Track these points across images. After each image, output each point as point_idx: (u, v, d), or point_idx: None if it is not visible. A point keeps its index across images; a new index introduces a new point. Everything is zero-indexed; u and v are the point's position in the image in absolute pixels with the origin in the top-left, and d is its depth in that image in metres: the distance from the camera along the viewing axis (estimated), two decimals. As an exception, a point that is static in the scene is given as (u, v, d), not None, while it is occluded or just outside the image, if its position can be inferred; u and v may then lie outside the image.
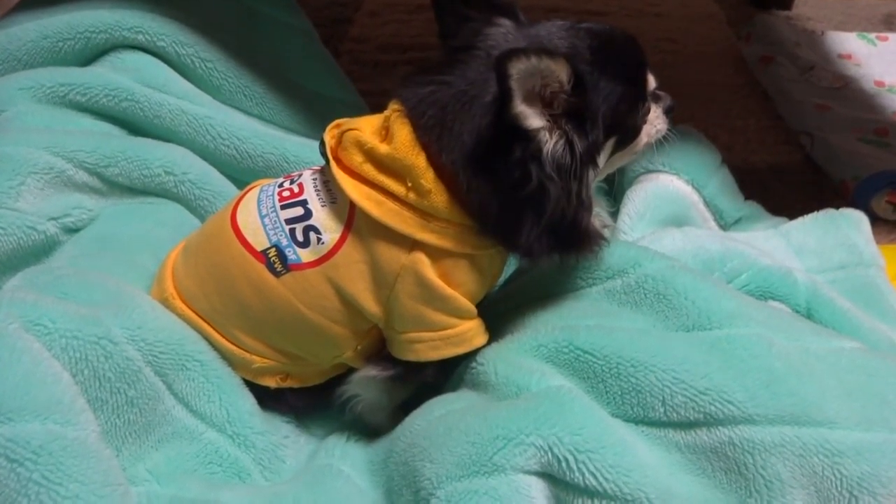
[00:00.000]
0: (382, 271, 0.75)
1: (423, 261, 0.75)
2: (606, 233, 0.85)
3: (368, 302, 0.77)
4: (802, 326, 0.80)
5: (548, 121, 0.69)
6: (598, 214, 0.85)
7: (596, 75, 0.73)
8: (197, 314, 0.82)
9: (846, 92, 1.68)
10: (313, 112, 1.23)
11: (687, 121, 1.61)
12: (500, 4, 0.78)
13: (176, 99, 1.08)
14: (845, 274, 1.04)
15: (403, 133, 0.73)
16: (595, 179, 0.80)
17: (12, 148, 0.91)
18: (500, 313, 0.87)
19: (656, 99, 0.85)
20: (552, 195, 0.71)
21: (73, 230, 0.93)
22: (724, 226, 1.19)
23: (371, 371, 0.82)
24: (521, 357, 0.79)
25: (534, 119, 0.69)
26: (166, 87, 1.08)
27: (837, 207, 1.13)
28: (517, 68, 0.65)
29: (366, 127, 0.77)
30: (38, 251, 0.89)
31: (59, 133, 0.97)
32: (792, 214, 1.17)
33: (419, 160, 0.72)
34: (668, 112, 0.86)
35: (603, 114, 0.73)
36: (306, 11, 1.41)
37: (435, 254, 0.75)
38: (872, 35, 1.91)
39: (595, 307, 0.84)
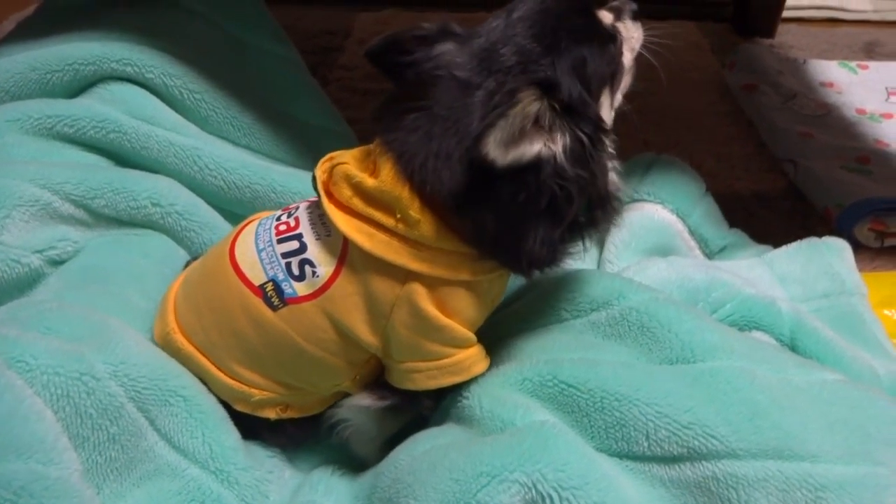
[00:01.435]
0: (378, 302, 0.75)
1: (418, 291, 0.74)
2: (621, 195, 0.82)
3: (365, 333, 0.77)
4: (785, 358, 0.81)
5: (544, 134, 0.69)
6: (615, 170, 0.82)
7: (556, 62, 0.72)
8: (196, 348, 0.82)
9: (828, 120, 1.70)
10: (301, 142, 1.24)
11: (672, 147, 1.63)
12: (432, 33, 0.77)
13: (164, 130, 1.08)
14: (829, 302, 1.05)
15: (388, 167, 0.73)
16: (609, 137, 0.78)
17: (-2, 181, 0.91)
18: (485, 345, 0.87)
19: (618, 15, 0.83)
20: (577, 189, 0.71)
21: (57, 262, 0.93)
22: (710, 254, 1.20)
23: (366, 400, 0.82)
24: (505, 391, 0.79)
25: (529, 148, 0.68)
26: (154, 118, 1.09)
27: (822, 234, 1.15)
28: (490, 146, 0.65)
29: (354, 160, 0.77)
30: (22, 284, 0.89)
31: (46, 165, 0.97)
32: (776, 241, 1.18)
33: (404, 192, 0.72)
34: (634, 18, 0.84)
35: (584, 85, 0.73)
36: (296, 39, 1.42)
37: (430, 283, 0.75)
38: (853, 63, 1.94)
39: (579, 340, 0.84)
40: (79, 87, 1.10)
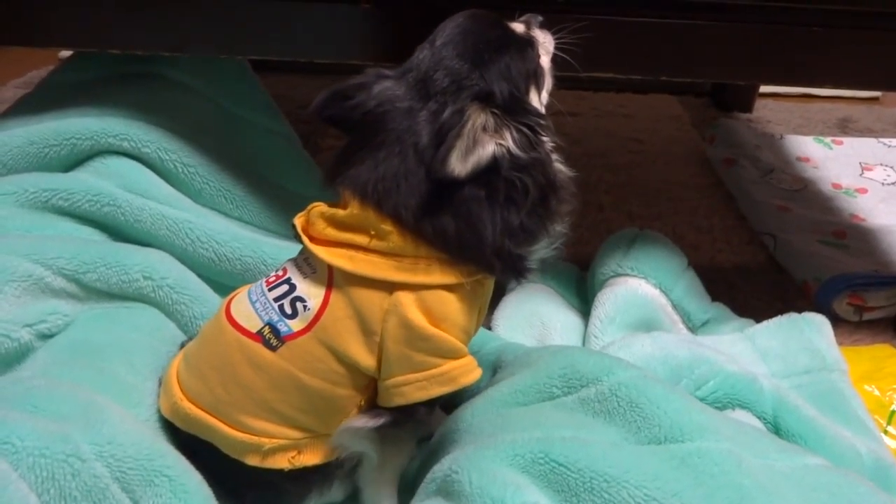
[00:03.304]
0: (368, 320, 0.78)
1: (404, 300, 0.77)
2: (570, 183, 0.86)
3: (362, 355, 0.79)
4: (767, 443, 0.82)
5: (494, 136, 0.76)
6: (558, 165, 0.87)
7: (484, 73, 0.79)
8: (204, 410, 0.83)
9: (805, 194, 1.75)
10: (292, 213, 1.23)
11: (654, 219, 1.67)
12: (369, 79, 0.82)
13: (157, 203, 1.10)
14: (810, 379, 1.06)
15: (351, 200, 0.78)
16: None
17: (-9, 256, 0.92)
18: (479, 415, 0.88)
19: (528, 27, 0.89)
20: (530, 180, 0.76)
21: (47, 336, 0.93)
22: (693, 328, 1.22)
23: (359, 421, 0.82)
24: (496, 466, 0.79)
25: (485, 151, 0.75)
26: (148, 192, 1.11)
27: (801, 307, 1.18)
28: (454, 163, 0.72)
29: (326, 204, 0.82)
30: (10, 359, 0.89)
31: (40, 239, 0.98)
32: (757, 314, 1.21)
33: (371, 213, 0.77)
34: (542, 27, 0.90)
35: (513, 85, 0.80)
36: (288, 108, 1.46)
37: (414, 289, 0.78)
38: (828, 139, 2.01)
39: (571, 418, 0.85)
40: (75, 161, 1.12)
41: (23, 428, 0.70)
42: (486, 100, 0.76)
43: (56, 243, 0.98)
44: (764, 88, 2.30)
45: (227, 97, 1.31)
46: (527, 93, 0.83)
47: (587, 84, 1.96)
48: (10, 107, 1.21)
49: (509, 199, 0.77)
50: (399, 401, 0.80)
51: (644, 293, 1.18)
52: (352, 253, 0.78)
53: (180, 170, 1.16)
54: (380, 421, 0.82)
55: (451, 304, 0.79)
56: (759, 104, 2.26)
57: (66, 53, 1.48)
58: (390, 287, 0.78)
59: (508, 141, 0.76)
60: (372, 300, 0.78)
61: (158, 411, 0.88)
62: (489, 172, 0.75)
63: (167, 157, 1.15)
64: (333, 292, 0.79)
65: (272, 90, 1.42)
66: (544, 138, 0.80)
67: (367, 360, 0.79)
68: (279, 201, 1.27)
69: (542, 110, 0.86)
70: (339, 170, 0.80)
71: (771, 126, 2.14)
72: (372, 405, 0.84)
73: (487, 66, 0.79)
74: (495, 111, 0.76)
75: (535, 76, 0.85)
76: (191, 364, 0.86)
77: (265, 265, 1.12)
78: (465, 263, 0.79)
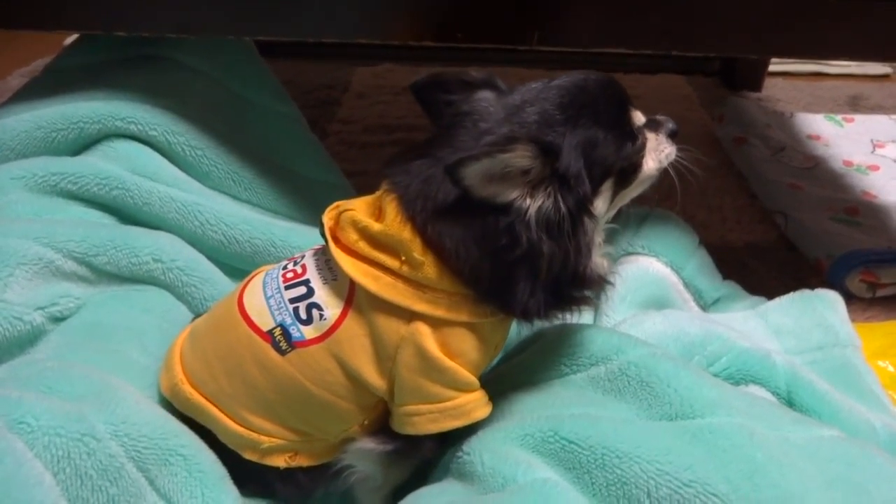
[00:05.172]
0: (383, 343, 0.77)
1: (422, 331, 0.76)
2: (607, 278, 0.84)
3: (372, 375, 0.78)
4: (782, 415, 0.81)
5: (526, 187, 0.72)
6: (608, 255, 0.84)
7: (568, 133, 0.75)
8: (205, 397, 0.83)
9: (816, 172, 1.73)
10: (301, 196, 1.26)
11: (664, 199, 1.66)
12: (477, 81, 0.81)
13: (166, 186, 1.10)
14: (823, 355, 1.06)
15: (392, 208, 0.76)
16: (599, 224, 0.81)
17: (2, 239, 0.92)
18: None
19: (655, 127, 0.85)
20: (546, 253, 0.73)
21: (59, 319, 0.93)
22: (704, 306, 1.21)
23: (368, 444, 0.82)
24: (507, 447, 0.79)
25: (506, 194, 0.71)
26: (157, 175, 1.11)
27: (813, 285, 1.17)
28: (468, 173, 0.69)
29: (361, 207, 0.80)
30: (23, 341, 0.89)
31: (49, 223, 0.98)
32: (769, 292, 1.20)
33: (407, 233, 0.74)
34: (672, 135, 0.86)
35: (587, 165, 0.75)
36: (295, 93, 1.46)
37: (434, 323, 0.76)
38: (839, 117, 1.99)
39: (580, 395, 0.84)
40: (83, 144, 1.12)
41: (38, 408, 0.71)
42: (548, 154, 0.72)
43: (66, 227, 0.98)
44: (773, 67, 2.27)
45: (235, 80, 1.31)
46: (599, 182, 0.78)
47: (596, 65, 1.94)
48: (16, 90, 1.21)
49: (528, 261, 0.73)
50: (410, 430, 0.80)
51: (655, 271, 1.17)
52: (378, 273, 0.75)
53: (188, 153, 1.16)
54: (388, 447, 0.82)
55: (468, 342, 0.78)
56: (769, 83, 2.24)
57: (70, 41, 1.47)
58: (410, 315, 0.76)
59: (534, 205, 0.72)
60: (390, 325, 0.76)
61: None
62: (501, 215, 0.72)
63: (175, 140, 1.15)
64: (353, 308, 0.78)
65: (279, 76, 1.42)
66: (578, 231, 0.75)
67: (377, 381, 0.78)
68: (287, 184, 1.26)
69: (607, 206, 0.81)
70: (398, 166, 0.78)
71: (781, 104, 2.12)
72: (381, 427, 0.83)
73: (576, 130, 0.75)
74: (549, 170, 0.72)
75: (620, 173, 0.80)
76: (197, 346, 0.86)
77: (274, 247, 1.12)
78: (490, 303, 0.77)
